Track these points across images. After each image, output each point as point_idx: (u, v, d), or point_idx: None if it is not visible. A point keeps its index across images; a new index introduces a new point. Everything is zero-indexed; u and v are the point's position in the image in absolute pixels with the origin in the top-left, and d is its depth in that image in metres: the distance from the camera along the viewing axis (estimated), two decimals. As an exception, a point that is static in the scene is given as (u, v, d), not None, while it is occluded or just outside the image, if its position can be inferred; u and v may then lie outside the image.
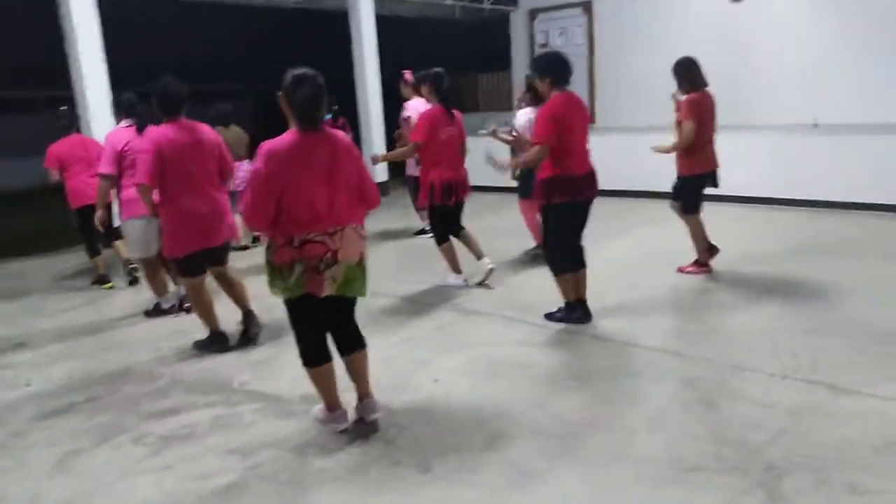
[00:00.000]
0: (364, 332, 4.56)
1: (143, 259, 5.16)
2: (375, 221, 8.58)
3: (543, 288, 4.86)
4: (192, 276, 4.35)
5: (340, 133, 3.24)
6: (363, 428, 3.30)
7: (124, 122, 5.17)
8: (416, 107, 6.81)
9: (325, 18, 11.16)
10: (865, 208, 7.42)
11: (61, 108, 6.45)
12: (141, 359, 4.39)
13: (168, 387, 3.94)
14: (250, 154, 7.42)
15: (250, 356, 4.34)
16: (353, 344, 3.35)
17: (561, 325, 4.53)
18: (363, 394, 3.36)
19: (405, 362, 4.11)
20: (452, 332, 4.59)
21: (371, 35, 10.32)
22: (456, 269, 5.54)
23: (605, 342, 4.26)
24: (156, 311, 5.21)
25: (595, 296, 4.70)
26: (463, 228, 5.59)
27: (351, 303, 3.32)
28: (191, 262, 4.29)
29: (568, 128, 4.26)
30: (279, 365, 4.17)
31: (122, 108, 5.21)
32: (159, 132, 4.15)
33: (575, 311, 4.55)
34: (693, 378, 3.68)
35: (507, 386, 3.72)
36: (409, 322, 4.81)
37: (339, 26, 10.71)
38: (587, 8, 11.36)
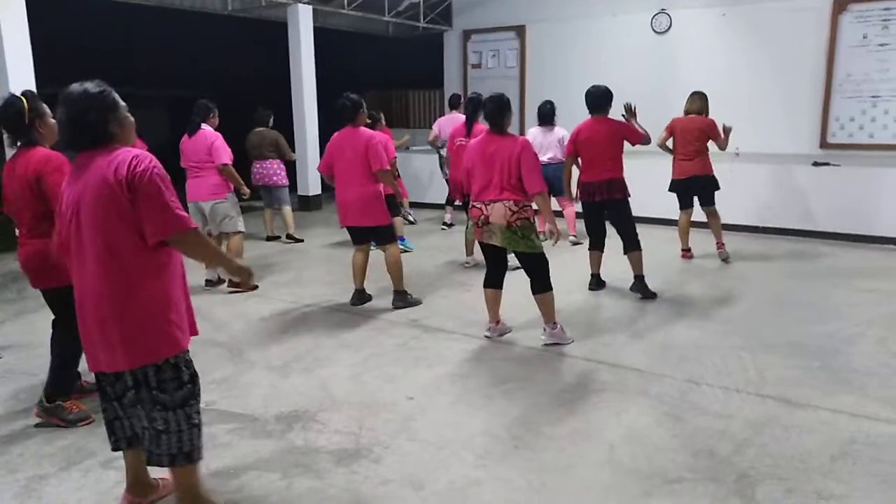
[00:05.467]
0: (327, 349, 4.62)
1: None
2: (329, 235, 8.56)
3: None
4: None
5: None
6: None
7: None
8: None
9: (262, 28, 10.97)
10: (781, 233, 8.01)
11: None
12: (90, 377, 4.16)
13: (129, 407, 3.76)
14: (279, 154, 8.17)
15: (211, 375, 4.20)
16: (532, 289, 4.63)
17: (525, 343, 4.67)
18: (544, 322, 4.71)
19: (375, 380, 4.11)
20: (417, 348, 4.62)
21: (309, 46, 10.25)
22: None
23: (568, 358, 4.42)
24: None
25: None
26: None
27: (523, 259, 4.57)
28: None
29: (583, 146, 5.72)
30: (244, 384, 4.07)
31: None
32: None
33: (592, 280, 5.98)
34: (656, 393, 3.88)
35: (482, 402, 3.79)
36: (372, 339, 4.80)
37: (276, 36, 10.56)
38: (520, 32, 11.73)
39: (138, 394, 2.54)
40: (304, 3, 10.11)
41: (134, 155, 2.40)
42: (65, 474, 3.09)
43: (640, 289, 5.71)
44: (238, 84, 12.40)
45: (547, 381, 4.08)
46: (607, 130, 5.62)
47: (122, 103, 2.54)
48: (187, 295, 2.69)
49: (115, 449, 2.72)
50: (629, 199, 5.69)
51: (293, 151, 8.82)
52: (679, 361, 4.31)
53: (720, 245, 6.96)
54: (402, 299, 5.54)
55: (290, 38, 10.20)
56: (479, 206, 4.51)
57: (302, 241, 8.31)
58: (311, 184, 10.57)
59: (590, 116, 5.73)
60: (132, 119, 2.58)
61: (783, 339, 4.67)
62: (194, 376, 2.62)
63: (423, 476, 3.05)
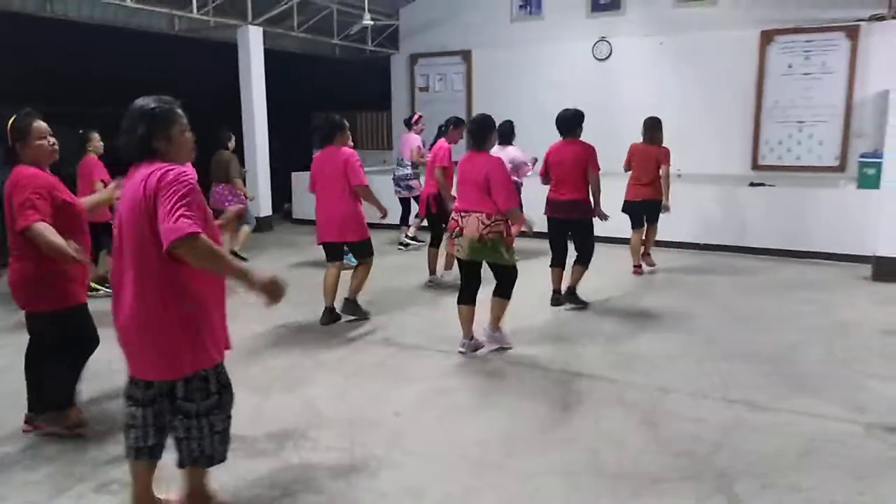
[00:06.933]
0: (305, 369, 4.65)
1: None
2: (283, 256, 8.51)
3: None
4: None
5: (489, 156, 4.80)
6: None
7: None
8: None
9: (213, 48, 10.87)
10: (721, 249, 8.47)
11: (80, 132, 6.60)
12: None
13: (110, 431, 3.67)
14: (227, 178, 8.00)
15: (190, 396, 4.17)
16: (494, 291, 4.85)
17: (498, 357, 4.82)
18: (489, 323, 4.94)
19: (359, 397, 4.17)
20: (395, 366, 4.70)
21: (259, 67, 10.23)
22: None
23: (543, 370, 4.59)
24: None
25: (517, 326, 5.13)
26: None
27: (494, 267, 4.77)
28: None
29: (552, 166, 6.03)
30: (227, 404, 4.05)
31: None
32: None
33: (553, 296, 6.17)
34: (630, 400, 4.08)
35: (468, 415, 3.91)
36: (349, 358, 4.85)
37: (226, 56, 10.49)
38: (467, 56, 12.03)
39: (162, 403, 2.59)
40: (255, 24, 10.10)
41: (167, 168, 2.43)
42: (56, 501, 3.04)
43: (572, 300, 6.08)
44: (192, 104, 12.21)
45: (526, 392, 4.23)
46: (575, 153, 5.88)
47: (178, 121, 2.58)
48: (222, 307, 2.73)
49: (126, 455, 2.75)
50: (591, 219, 5.99)
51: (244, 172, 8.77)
52: (648, 371, 4.54)
53: (647, 254, 7.57)
54: (353, 309, 5.74)
55: (241, 60, 10.16)
56: (456, 217, 4.77)
57: (245, 260, 8.19)
58: (262, 205, 10.49)
59: (563, 140, 6.03)
60: (188, 136, 2.62)
61: (738, 349, 4.98)
62: (224, 387, 2.67)
63: (421, 487, 3.13)
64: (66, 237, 3.34)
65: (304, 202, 11.41)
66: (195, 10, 9.08)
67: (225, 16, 9.72)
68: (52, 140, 3.46)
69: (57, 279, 3.43)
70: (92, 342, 3.67)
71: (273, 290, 2.54)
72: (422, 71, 12.58)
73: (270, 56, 10.66)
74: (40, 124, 3.41)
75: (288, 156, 11.99)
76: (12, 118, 3.38)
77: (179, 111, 2.60)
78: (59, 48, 10.29)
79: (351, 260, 5.91)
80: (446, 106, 11.81)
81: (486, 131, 4.79)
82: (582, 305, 6.06)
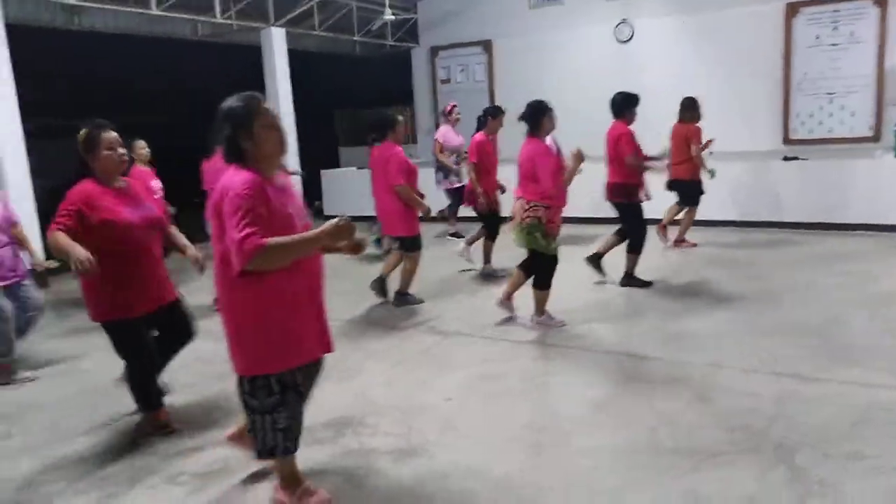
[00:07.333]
0: (355, 360, 4.79)
1: None
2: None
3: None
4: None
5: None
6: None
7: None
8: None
9: (233, 51, 11.02)
10: (757, 225, 8.41)
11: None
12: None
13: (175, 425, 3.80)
14: None
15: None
16: (533, 281, 5.07)
17: (543, 340, 4.87)
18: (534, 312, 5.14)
19: (410, 385, 4.24)
20: (441, 353, 4.76)
21: (284, 69, 10.35)
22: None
23: (591, 352, 4.62)
24: None
25: (562, 308, 5.18)
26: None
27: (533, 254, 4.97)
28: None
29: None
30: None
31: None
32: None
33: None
34: (681, 377, 4.10)
35: (518, 398, 3.96)
36: (396, 347, 4.93)
37: (248, 59, 10.63)
38: (487, 47, 12.02)
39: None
40: (277, 26, 10.20)
41: (229, 186, 2.42)
42: (132, 492, 3.14)
43: (629, 282, 6.09)
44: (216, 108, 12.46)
45: (575, 374, 4.27)
46: (611, 136, 5.92)
47: (260, 115, 2.49)
48: (317, 312, 2.78)
49: None
50: (634, 204, 5.96)
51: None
52: (696, 348, 4.55)
53: (682, 239, 7.57)
54: (404, 300, 5.95)
55: (265, 62, 10.27)
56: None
57: None
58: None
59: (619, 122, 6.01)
60: (273, 132, 2.53)
61: (783, 322, 4.96)
62: (288, 387, 2.71)
63: (480, 468, 3.19)
64: (113, 256, 3.35)
65: (334, 199, 11.56)
66: (218, 14, 9.20)
67: (248, 19, 9.84)
68: (122, 151, 3.46)
69: (100, 292, 3.45)
70: (139, 356, 3.62)
71: (342, 234, 2.49)
72: (443, 63, 12.61)
73: (292, 56, 10.77)
74: (109, 134, 3.41)
75: (310, 155, 12.11)
76: (83, 130, 3.42)
77: (262, 105, 2.53)
78: (87, 59, 10.50)
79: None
80: (469, 97, 11.81)
81: (539, 116, 4.93)
82: (642, 286, 6.05)
